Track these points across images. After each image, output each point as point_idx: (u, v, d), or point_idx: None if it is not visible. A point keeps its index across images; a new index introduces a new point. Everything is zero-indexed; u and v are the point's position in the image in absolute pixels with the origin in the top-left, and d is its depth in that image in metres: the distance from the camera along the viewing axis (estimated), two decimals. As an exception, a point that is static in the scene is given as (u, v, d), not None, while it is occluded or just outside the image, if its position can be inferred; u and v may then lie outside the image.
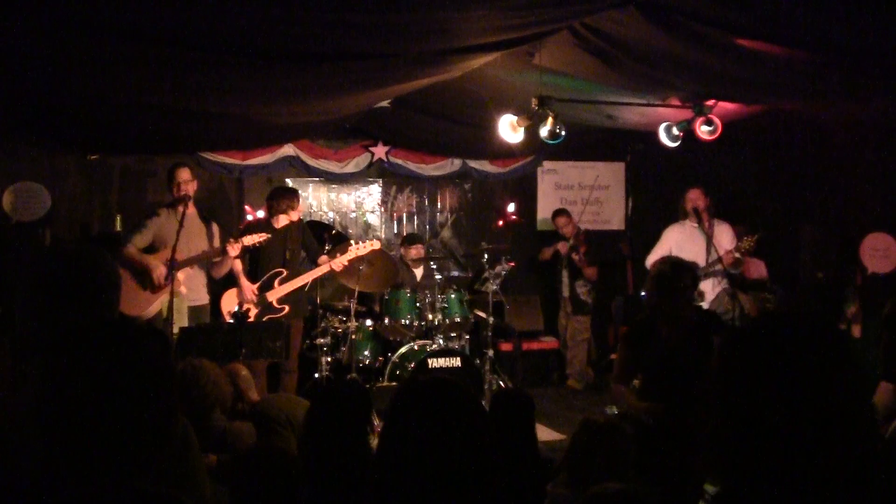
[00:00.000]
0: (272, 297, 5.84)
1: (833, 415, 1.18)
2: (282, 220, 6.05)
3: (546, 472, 3.02)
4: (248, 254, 5.92)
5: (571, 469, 2.76)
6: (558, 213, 7.95)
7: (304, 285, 6.08)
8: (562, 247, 7.87)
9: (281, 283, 5.90)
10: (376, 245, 6.14)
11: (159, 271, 5.26)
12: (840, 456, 1.17)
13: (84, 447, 1.30)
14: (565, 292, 7.95)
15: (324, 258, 6.07)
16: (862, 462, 1.19)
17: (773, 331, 1.27)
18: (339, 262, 6.00)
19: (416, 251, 7.21)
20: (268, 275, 5.89)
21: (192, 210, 5.58)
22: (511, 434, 3.03)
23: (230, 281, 5.98)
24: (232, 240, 5.51)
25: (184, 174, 5.55)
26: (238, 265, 5.88)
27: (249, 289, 5.83)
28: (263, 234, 5.70)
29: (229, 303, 5.85)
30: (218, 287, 5.98)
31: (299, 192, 7.76)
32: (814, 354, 1.22)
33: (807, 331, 1.25)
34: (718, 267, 6.35)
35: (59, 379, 1.33)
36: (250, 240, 5.57)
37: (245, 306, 5.78)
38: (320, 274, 6.08)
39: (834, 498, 1.17)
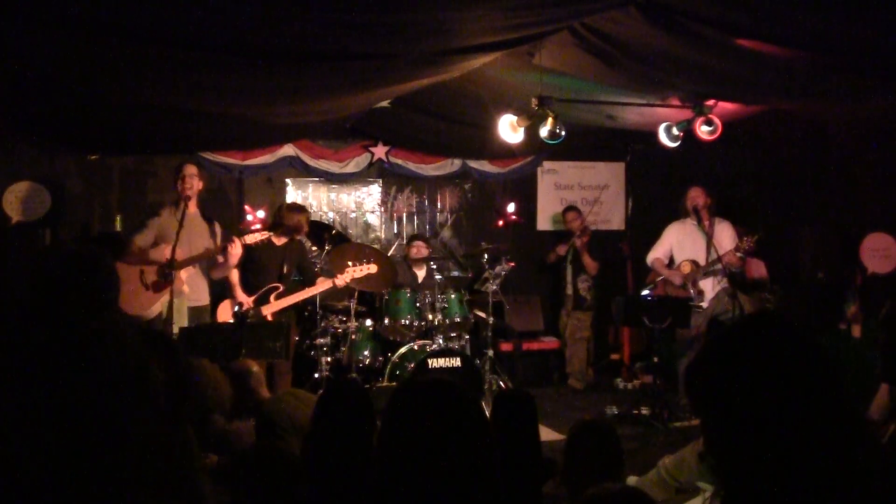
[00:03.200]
0: (267, 311, 5.82)
1: (812, 415, 1.19)
2: (283, 238, 6.06)
3: (550, 472, 3.01)
4: (245, 264, 5.90)
5: (567, 470, 2.77)
6: (569, 209, 8.01)
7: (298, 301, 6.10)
8: (561, 249, 7.92)
9: (277, 299, 5.88)
10: (373, 269, 6.12)
11: (164, 251, 5.25)
12: (828, 456, 1.18)
13: (86, 449, 1.30)
14: (568, 290, 7.97)
15: (321, 279, 6.09)
16: (853, 462, 1.19)
17: (749, 335, 1.29)
18: (335, 282, 6.04)
19: (416, 249, 7.23)
20: (264, 289, 5.87)
21: (194, 210, 5.57)
22: (514, 435, 3.03)
23: (225, 291, 5.97)
24: (234, 237, 5.49)
25: (190, 169, 5.53)
26: (234, 276, 5.87)
27: (247, 301, 5.82)
28: (266, 232, 5.70)
29: (225, 314, 5.84)
30: (219, 288, 5.98)
31: (296, 200, 7.79)
32: (787, 357, 1.23)
33: (780, 334, 1.27)
34: (718, 266, 6.36)
35: (65, 380, 1.33)
36: (252, 238, 5.56)
37: (245, 307, 5.78)
38: (315, 293, 6.09)
39: (828, 497, 1.18)
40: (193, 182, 5.49)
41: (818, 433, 1.19)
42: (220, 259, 5.56)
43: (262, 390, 4.04)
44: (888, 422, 3.96)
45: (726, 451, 1.25)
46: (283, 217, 6.08)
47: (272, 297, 5.87)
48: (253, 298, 5.84)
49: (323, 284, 6.04)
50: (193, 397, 3.21)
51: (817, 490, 1.18)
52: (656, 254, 6.82)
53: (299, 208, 6.26)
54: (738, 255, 6.30)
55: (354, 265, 6.07)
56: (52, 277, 1.86)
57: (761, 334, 1.27)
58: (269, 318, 5.80)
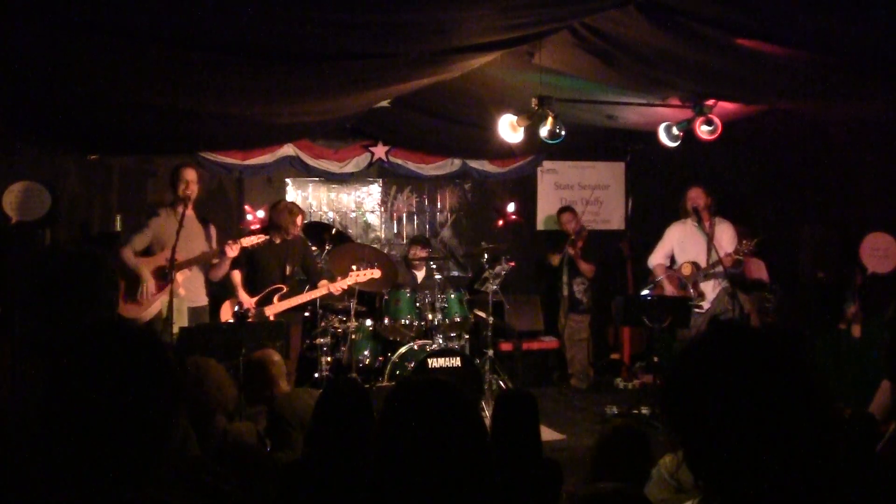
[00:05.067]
0: (270, 312, 5.82)
1: (786, 421, 1.19)
2: (277, 237, 6.06)
3: (551, 472, 3.01)
4: (247, 265, 5.90)
5: (596, 471, 2.75)
6: (563, 210, 8.01)
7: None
8: (554, 259, 7.94)
9: (280, 300, 5.88)
10: (377, 274, 6.13)
11: (148, 285, 5.24)
12: (806, 461, 1.18)
13: (83, 449, 1.30)
14: (564, 291, 7.97)
15: (324, 282, 6.09)
16: (834, 466, 1.20)
17: (722, 340, 1.29)
18: (339, 286, 6.05)
19: (413, 252, 7.25)
20: (267, 290, 5.87)
21: (190, 212, 5.58)
22: (515, 435, 3.03)
23: (227, 291, 5.97)
24: (231, 241, 5.50)
25: (190, 174, 5.53)
26: (236, 277, 5.87)
27: (248, 303, 5.82)
28: (262, 235, 5.71)
29: (226, 314, 5.85)
30: (217, 288, 5.97)
31: (297, 200, 7.79)
32: (762, 361, 1.24)
33: (754, 339, 1.27)
34: (719, 269, 6.35)
35: (58, 381, 1.33)
36: (248, 241, 5.56)
37: (245, 307, 5.79)
38: (319, 295, 6.11)
39: (817, 494, 1.18)
40: (193, 188, 5.50)
41: (794, 439, 1.19)
42: (216, 261, 5.58)
43: (282, 382, 4.05)
44: (889, 420, 3.96)
45: (704, 463, 1.25)
46: (273, 214, 6.08)
47: (276, 298, 5.87)
48: (256, 299, 5.84)
49: (323, 288, 6.04)
50: (196, 397, 3.20)
51: (797, 497, 1.18)
52: (657, 256, 6.81)
53: (287, 207, 6.19)
54: (737, 257, 6.30)
55: (359, 269, 6.07)
56: (52, 278, 1.86)
57: (722, 346, 1.27)
58: (272, 318, 5.81)
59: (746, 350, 1.25)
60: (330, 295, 6.22)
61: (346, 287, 6.09)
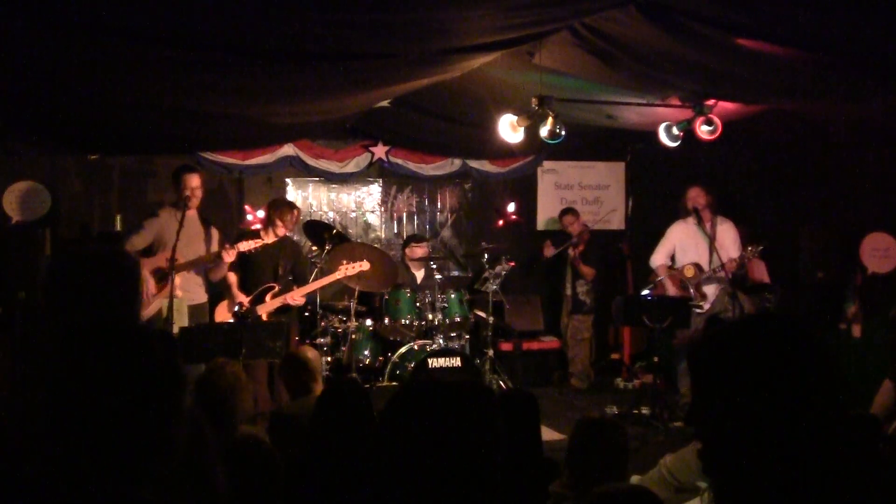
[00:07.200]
0: (263, 311, 5.82)
1: (809, 413, 1.19)
2: (271, 234, 6.03)
3: (551, 472, 3.01)
4: (241, 266, 5.90)
5: (572, 469, 2.76)
6: (566, 211, 7.99)
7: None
8: (547, 250, 7.87)
9: (273, 298, 5.88)
10: (365, 266, 6.13)
11: (147, 285, 5.26)
12: (824, 452, 1.18)
13: (86, 448, 1.30)
14: (567, 291, 7.97)
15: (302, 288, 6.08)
16: (850, 460, 1.20)
17: (745, 333, 1.30)
18: (323, 281, 6.14)
19: (421, 250, 7.23)
20: (259, 289, 5.86)
21: (192, 213, 5.59)
22: (516, 435, 3.03)
23: (223, 291, 5.97)
24: (227, 245, 5.50)
25: (194, 181, 5.53)
26: (232, 277, 5.87)
27: (244, 301, 5.82)
28: (259, 240, 5.70)
29: (222, 314, 5.85)
30: (217, 287, 5.97)
31: (297, 200, 7.79)
32: (784, 355, 1.24)
33: (777, 332, 1.27)
34: (721, 274, 6.35)
35: (64, 380, 1.33)
36: (246, 246, 5.56)
37: (244, 306, 5.79)
38: (312, 290, 6.14)
39: (824, 494, 1.18)
40: (197, 193, 5.52)
41: (815, 435, 1.19)
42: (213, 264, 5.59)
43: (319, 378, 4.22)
44: (891, 420, 3.96)
45: (720, 457, 1.25)
46: (271, 210, 6.07)
47: (268, 297, 5.87)
48: (249, 298, 5.84)
49: (313, 285, 6.08)
50: (220, 402, 3.16)
51: (810, 490, 1.18)
52: (659, 256, 6.81)
53: (282, 204, 6.15)
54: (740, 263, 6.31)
55: (348, 263, 6.09)
56: (58, 277, 1.86)
57: (772, 333, 1.27)
58: (265, 317, 5.81)
59: (778, 341, 1.25)
60: (329, 293, 6.23)
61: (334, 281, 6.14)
